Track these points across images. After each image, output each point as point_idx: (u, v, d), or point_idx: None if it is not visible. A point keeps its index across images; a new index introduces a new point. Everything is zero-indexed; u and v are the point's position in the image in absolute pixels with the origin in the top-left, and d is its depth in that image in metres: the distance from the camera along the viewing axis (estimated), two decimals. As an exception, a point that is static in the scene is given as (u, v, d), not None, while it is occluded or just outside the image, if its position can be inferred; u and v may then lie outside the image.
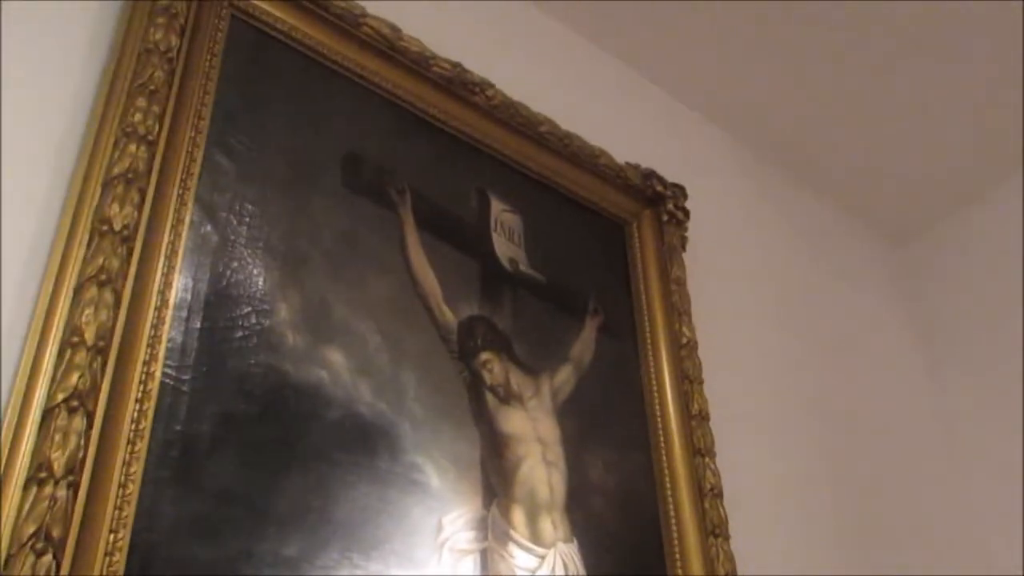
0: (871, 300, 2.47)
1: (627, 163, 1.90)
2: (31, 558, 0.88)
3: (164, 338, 1.11)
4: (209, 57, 1.34)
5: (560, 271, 1.69)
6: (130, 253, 1.10)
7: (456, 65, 1.67)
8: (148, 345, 1.09)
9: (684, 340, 1.75)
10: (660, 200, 1.91)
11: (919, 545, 2.03)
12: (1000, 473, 2.19)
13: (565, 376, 1.57)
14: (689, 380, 1.70)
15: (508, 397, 1.45)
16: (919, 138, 2.38)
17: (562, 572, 1.35)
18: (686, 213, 1.94)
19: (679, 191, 1.95)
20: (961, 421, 2.35)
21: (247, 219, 1.28)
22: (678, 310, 1.78)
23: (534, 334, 1.57)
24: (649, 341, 1.73)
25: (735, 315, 1.99)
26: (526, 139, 1.76)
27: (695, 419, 1.64)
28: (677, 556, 1.50)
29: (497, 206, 1.66)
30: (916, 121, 2.34)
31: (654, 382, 1.67)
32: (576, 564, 1.38)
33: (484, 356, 1.46)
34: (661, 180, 1.93)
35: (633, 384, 1.66)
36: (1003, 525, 2.13)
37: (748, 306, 2.05)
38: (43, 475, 0.92)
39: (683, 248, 1.90)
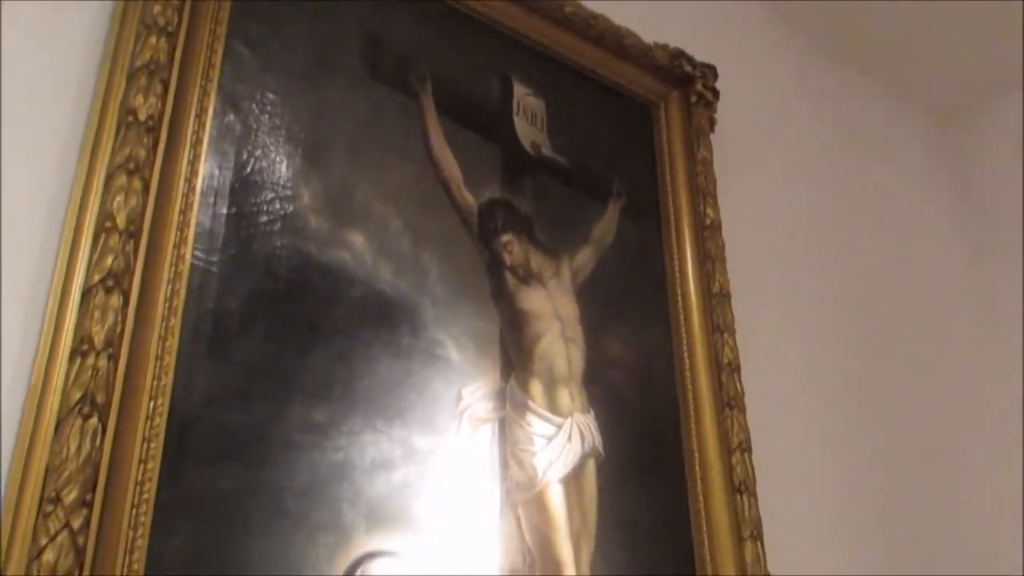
0: (912, 183, 2.43)
1: (655, 43, 1.88)
2: (79, 421, 0.98)
3: (192, 223, 1.18)
4: (227, -53, 1.36)
5: (583, 154, 1.71)
6: (156, 143, 1.16)
7: (477, -53, 1.66)
8: (178, 230, 1.16)
9: (708, 221, 1.77)
10: (689, 81, 1.90)
11: (950, 433, 2.07)
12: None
13: (586, 257, 1.61)
14: (711, 259, 1.73)
15: (528, 277, 1.51)
16: (970, 15, 2.29)
17: (578, 440, 1.43)
18: (715, 94, 1.92)
19: (709, 71, 1.93)
20: (1002, 308, 2.33)
21: (269, 108, 1.33)
22: (703, 191, 1.80)
23: (555, 216, 1.61)
24: (672, 222, 1.75)
25: (763, 197, 2.00)
26: (550, 21, 1.75)
27: (715, 297, 1.68)
28: (693, 427, 1.56)
29: (520, 90, 1.67)
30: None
31: (676, 261, 1.71)
32: (592, 433, 1.46)
33: (504, 238, 1.51)
34: (690, 60, 1.91)
35: (654, 264, 1.70)
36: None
37: (778, 187, 2.05)
38: (85, 347, 1.02)
39: (711, 129, 1.90)
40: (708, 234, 1.75)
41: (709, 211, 1.77)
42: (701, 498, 1.51)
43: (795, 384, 1.80)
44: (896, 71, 2.45)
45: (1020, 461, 2.13)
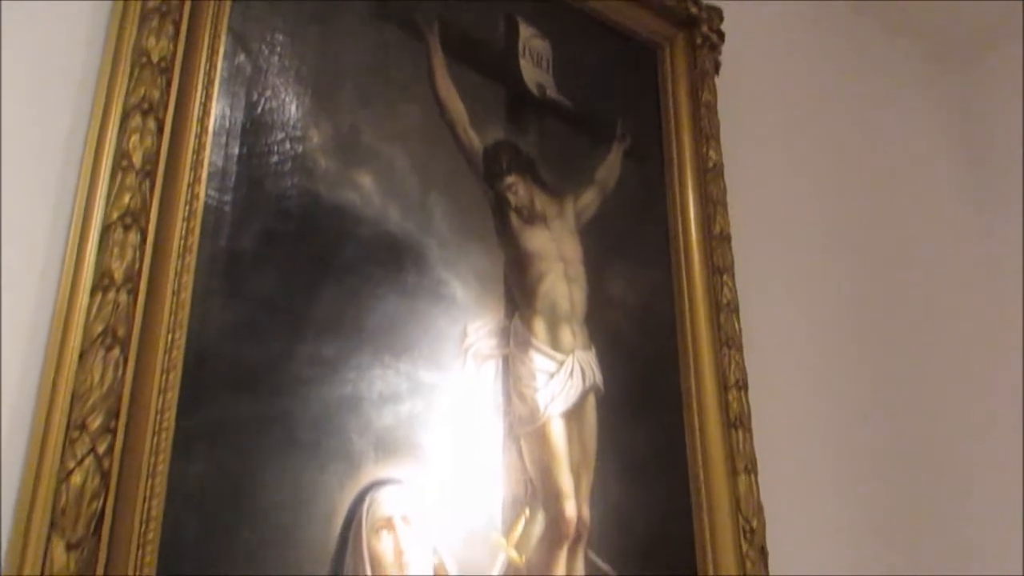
0: (916, 128, 2.43)
1: (661, -16, 1.88)
2: (101, 352, 1.03)
3: (206, 163, 1.22)
4: None
5: (588, 96, 1.72)
6: (169, 83, 1.19)
7: None
8: (191, 169, 1.19)
9: (711, 163, 1.79)
10: (694, 23, 1.90)
11: (947, 368, 2.11)
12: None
13: (589, 198, 1.64)
14: (713, 202, 1.75)
15: (532, 218, 1.54)
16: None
17: (579, 376, 1.48)
18: (721, 36, 1.93)
19: (714, 13, 1.94)
20: (1007, 256, 2.33)
21: (278, 49, 1.35)
22: (706, 134, 1.82)
23: (559, 158, 1.63)
24: (675, 164, 1.78)
25: (765, 140, 2.01)
26: (557, -38, 1.75)
27: (716, 239, 1.71)
28: (691, 365, 1.61)
29: (526, 32, 1.69)
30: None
31: (678, 203, 1.73)
32: (593, 370, 1.50)
33: (509, 179, 1.54)
34: (696, 2, 1.91)
35: (657, 206, 1.73)
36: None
37: (780, 131, 2.06)
38: (106, 283, 1.06)
39: (716, 72, 1.91)
40: (710, 177, 1.77)
41: (712, 154, 1.79)
42: (698, 433, 1.56)
43: (792, 324, 1.84)
44: (900, 14, 2.44)
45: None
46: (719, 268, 1.69)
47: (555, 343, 1.48)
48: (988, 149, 2.47)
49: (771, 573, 1.51)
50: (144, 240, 1.11)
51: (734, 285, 1.69)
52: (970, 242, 2.39)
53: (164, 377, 1.09)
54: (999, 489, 2.06)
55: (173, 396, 1.10)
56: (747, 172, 1.87)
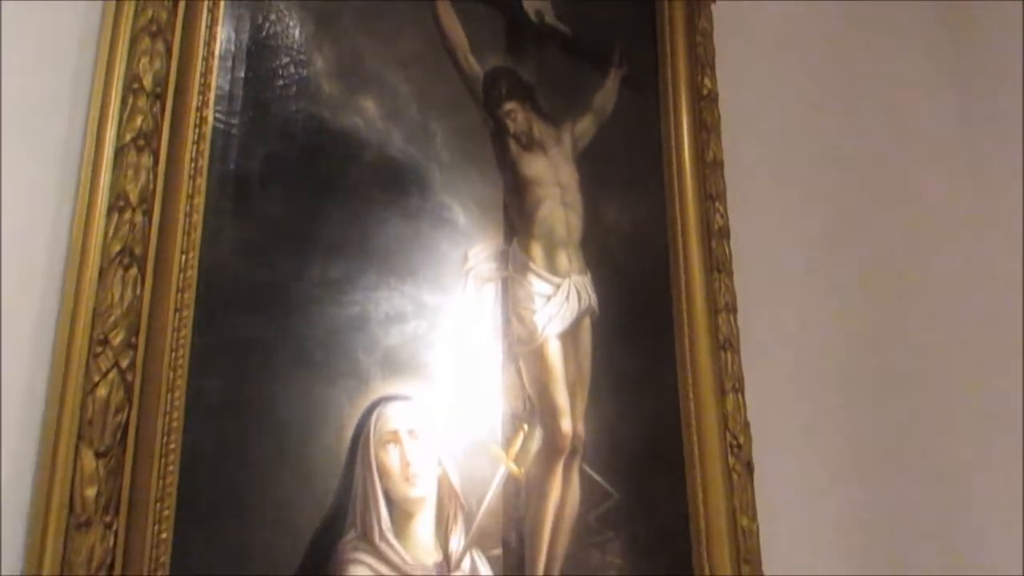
0: (911, 57, 2.43)
1: (659, -91, 1.87)
2: (120, 271, 1.07)
3: (213, 85, 1.23)
4: None
5: (586, 23, 1.73)
6: (176, 5, 1.20)
7: None
8: (199, 92, 1.21)
9: (705, 91, 1.81)
10: (691, -51, 1.90)
11: (938, 295, 2.15)
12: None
13: (586, 125, 1.67)
14: (707, 129, 1.78)
15: (530, 144, 1.57)
16: None
17: (575, 299, 1.53)
18: (717, -37, 1.93)
19: (711, -61, 1.93)
20: (992, 181, 2.36)
21: (281, -28, 1.36)
22: (702, 62, 1.83)
23: (558, 84, 1.65)
24: (670, 91, 1.79)
25: (760, 69, 2.02)
26: None
27: (709, 166, 1.75)
28: (683, 288, 1.66)
29: (524, -43, 1.68)
30: None
31: (672, 131, 1.76)
32: (588, 293, 1.55)
33: (508, 105, 1.56)
34: (693, -73, 1.90)
35: (652, 133, 1.76)
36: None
37: (776, 60, 2.07)
38: (121, 204, 1.09)
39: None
40: (705, 104, 1.80)
41: (707, 82, 1.81)
42: (688, 354, 1.62)
43: (782, 249, 1.88)
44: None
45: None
46: (711, 195, 1.73)
47: (552, 267, 1.52)
48: (973, 69, 2.47)
49: (755, 487, 1.58)
50: (156, 162, 1.14)
51: (726, 211, 1.73)
52: (961, 163, 2.39)
53: (179, 296, 1.13)
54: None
55: (189, 314, 1.14)
56: (742, 100, 1.89)
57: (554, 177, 1.58)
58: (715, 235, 1.70)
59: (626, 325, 1.59)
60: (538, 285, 1.50)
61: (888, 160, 2.22)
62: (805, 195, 2.00)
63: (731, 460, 1.57)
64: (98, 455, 1.00)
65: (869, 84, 2.27)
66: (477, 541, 1.32)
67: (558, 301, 1.51)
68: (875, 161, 2.19)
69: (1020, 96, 2.34)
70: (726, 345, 1.63)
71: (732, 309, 1.66)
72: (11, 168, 1.08)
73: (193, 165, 1.18)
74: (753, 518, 1.56)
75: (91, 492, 0.99)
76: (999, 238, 2.30)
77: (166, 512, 1.06)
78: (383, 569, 1.22)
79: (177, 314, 1.12)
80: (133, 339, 1.06)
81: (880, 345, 2.00)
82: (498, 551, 1.34)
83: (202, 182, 1.19)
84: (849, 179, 2.10)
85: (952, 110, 2.47)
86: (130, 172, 1.10)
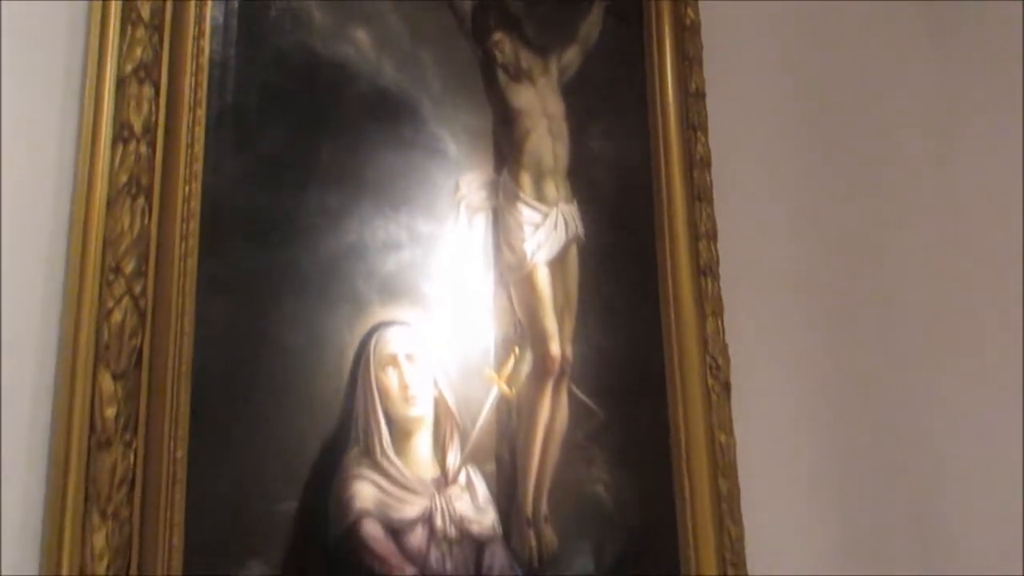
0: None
1: None
2: (128, 201, 1.10)
3: (208, 16, 1.25)
4: None
5: (571, -48, 1.74)
6: (168, -67, 1.21)
7: None
8: (195, 23, 1.23)
9: (688, 22, 1.83)
10: None
11: (919, 226, 2.20)
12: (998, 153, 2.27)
13: (572, 56, 1.69)
14: (689, 60, 1.81)
15: (518, 75, 1.59)
16: None
17: (563, 227, 1.58)
18: None
19: None
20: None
21: (270, -100, 1.35)
22: (684, -9, 1.85)
23: (544, 15, 1.67)
24: (654, 21, 1.81)
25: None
26: None
27: (691, 97, 1.78)
28: (665, 217, 1.71)
29: None
30: None
31: (655, 61, 1.78)
32: (575, 222, 1.60)
33: (496, 36, 1.58)
34: None
35: (635, 64, 1.78)
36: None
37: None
38: (126, 134, 1.12)
39: (695, -71, 1.92)
40: (688, 35, 1.82)
41: (690, 12, 1.83)
42: (670, 280, 1.67)
43: (761, 178, 1.92)
44: None
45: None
46: (694, 125, 1.77)
47: (540, 196, 1.57)
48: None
49: (734, 407, 1.67)
50: (157, 93, 1.16)
51: (707, 141, 1.77)
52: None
53: (184, 225, 1.17)
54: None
55: (194, 243, 1.17)
56: (724, 30, 1.91)
57: (542, 107, 1.61)
58: (697, 165, 1.74)
59: (611, 252, 1.64)
60: (527, 214, 1.54)
61: (864, 93, 2.25)
62: (785, 122, 2.03)
63: (710, 380, 1.65)
64: (115, 377, 1.05)
65: (851, 20, 2.27)
66: (472, 457, 1.39)
67: (546, 229, 1.56)
68: (854, 88, 2.21)
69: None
70: (706, 271, 1.69)
71: (712, 236, 1.72)
72: (13, 101, 1.09)
73: (192, 96, 1.20)
74: (730, 434, 1.64)
75: (111, 412, 1.04)
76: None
77: (180, 432, 1.11)
78: (384, 483, 1.28)
79: (183, 243, 1.16)
80: (144, 267, 1.09)
81: (858, 270, 2.05)
82: (492, 466, 1.41)
83: (202, 113, 1.21)
84: (830, 106, 2.13)
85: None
86: (132, 103, 1.12)
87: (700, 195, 1.73)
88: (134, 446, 1.06)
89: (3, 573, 1.01)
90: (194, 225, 1.17)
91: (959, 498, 2.02)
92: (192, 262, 1.17)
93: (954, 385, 2.12)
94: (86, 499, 1.03)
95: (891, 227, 2.17)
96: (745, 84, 1.97)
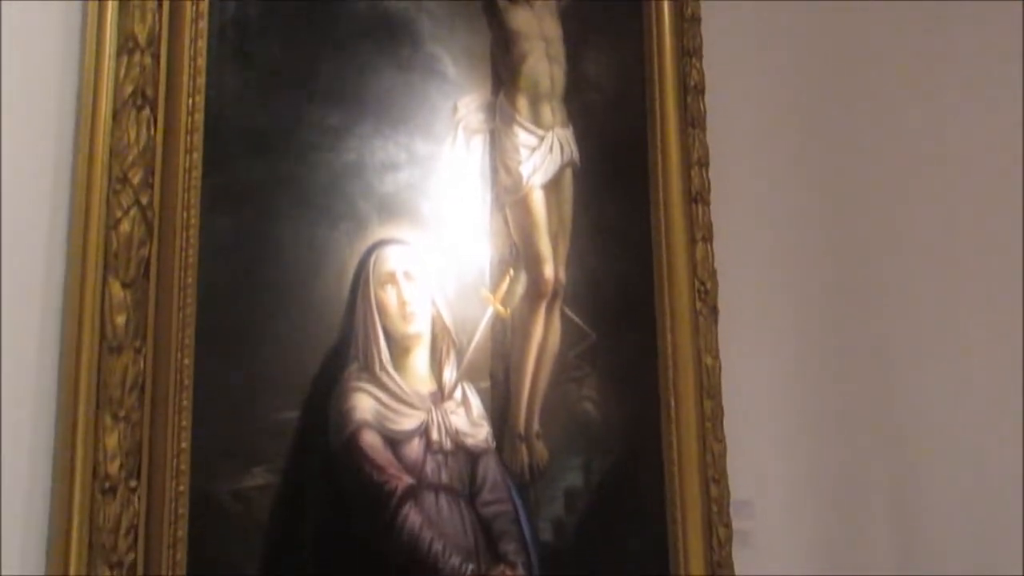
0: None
1: None
2: (133, 112, 1.11)
3: (208, -73, 1.24)
4: None
5: None
6: None
7: None
8: (196, -65, 1.22)
9: (684, -53, 1.83)
10: None
11: (909, 157, 2.22)
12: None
13: (569, -22, 1.69)
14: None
15: (516, -3, 1.59)
16: None
17: (558, 151, 1.59)
18: None
19: None
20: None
21: None
22: (681, -87, 1.84)
23: (542, -64, 1.66)
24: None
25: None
26: None
27: (687, 21, 1.78)
28: (658, 143, 1.73)
29: None
30: None
31: (652, -12, 1.79)
32: (571, 146, 1.62)
33: (495, -44, 1.57)
34: None
35: (632, -11, 1.78)
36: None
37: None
38: (131, 45, 1.12)
39: None
40: (683, -41, 1.82)
41: (685, -64, 1.83)
42: (662, 206, 1.70)
43: (755, 105, 1.93)
44: None
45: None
46: (688, 51, 1.77)
47: (536, 120, 1.58)
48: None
49: (720, 331, 1.71)
50: (160, 3, 1.16)
51: (702, 67, 1.78)
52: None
53: (189, 138, 1.18)
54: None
55: (198, 156, 1.19)
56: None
57: (539, 30, 1.61)
58: (691, 91, 1.76)
59: (605, 178, 1.66)
60: (523, 137, 1.56)
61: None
62: (780, 46, 2.02)
63: (698, 304, 1.69)
64: (124, 285, 1.07)
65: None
66: (467, 374, 1.43)
67: (542, 153, 1.58)
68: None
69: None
70: (697, 197, 1.72)
71: (704, 163, 1.74)
72: (16, 12, 1.09)
73: (195, 7, 1.20)
74: (716, 357, 1.69)
75: (121, 319, 1.07)
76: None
77: (187, 340, 1.14)
78: (383, 397, 1.32)
79: (188, 156, 1.17)
80: (150, 178, 1.11)
81: (848, 201, 2.07)
82: (486, 383, 1.46)
83: (204, 26, 1.21)
84: (828, 39, 2.12)
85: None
86: (136, 13, 1.12)
87: (693, 122, 1.75)
88: (143, 353, 1.09)
89: (17, 475, 1.05)
90: (198, 138, 1.19)
91: (935, 416, 2.08)
92: (197, 175, 1.18)
93: (931, 308, 2.16)
94: (98, 403, 1.06)
95: (887, 158, 2.17)
96: (742, 9, 1.96)
